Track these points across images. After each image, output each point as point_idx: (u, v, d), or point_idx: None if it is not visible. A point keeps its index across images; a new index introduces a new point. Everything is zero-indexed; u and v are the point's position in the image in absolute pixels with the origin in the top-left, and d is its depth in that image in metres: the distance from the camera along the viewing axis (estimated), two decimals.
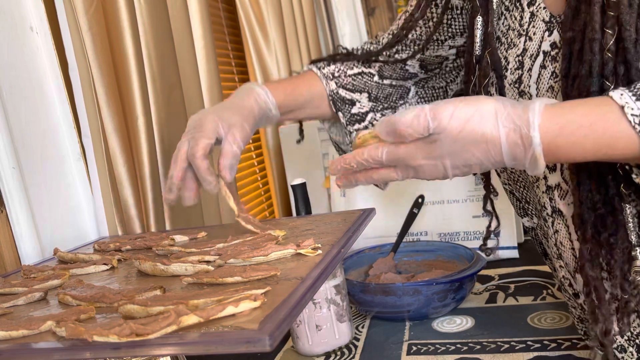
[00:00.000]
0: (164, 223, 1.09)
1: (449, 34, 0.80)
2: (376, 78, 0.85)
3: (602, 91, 0.52)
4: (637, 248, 0.54)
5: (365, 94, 0.84)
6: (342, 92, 0.84)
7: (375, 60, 0.85)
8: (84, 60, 0.96)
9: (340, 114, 0.84)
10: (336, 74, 0.85)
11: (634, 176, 0.51)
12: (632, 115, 0.46)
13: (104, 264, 0.74)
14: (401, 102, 0.87)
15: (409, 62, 0.83)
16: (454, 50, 0.82)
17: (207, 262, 0.66)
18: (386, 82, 0.85)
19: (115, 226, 1.00)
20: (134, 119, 1.03)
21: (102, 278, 0.70)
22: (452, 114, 0.50)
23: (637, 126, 0.45)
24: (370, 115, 0.84)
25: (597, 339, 0.58)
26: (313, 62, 0.87)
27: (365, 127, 0.84)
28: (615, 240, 0.55)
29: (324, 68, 0.86)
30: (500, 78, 0.65)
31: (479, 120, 0.49)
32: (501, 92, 0.65)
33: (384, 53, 0.85)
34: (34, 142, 0.93)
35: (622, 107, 0.46)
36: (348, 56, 0.87)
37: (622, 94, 0.47)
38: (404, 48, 0.83)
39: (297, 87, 0.84)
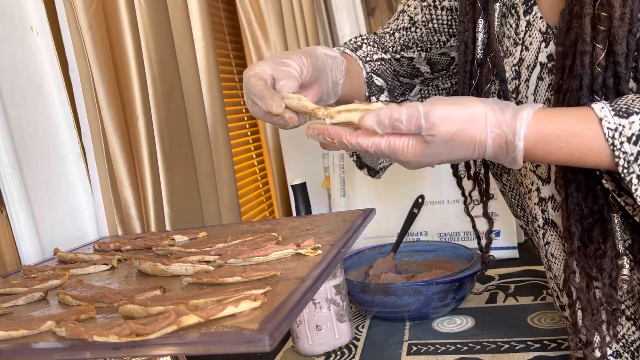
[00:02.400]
0: (164, 223, 1.09)
1: (450, 34, 0.79)
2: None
3: None
4: (623, 257, 0.55)
5: (386, 83, 0.81)
6: (374, 77, 0.81)
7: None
8: (84, 60, 0.96)
9: (373, 98, 0.80)
10: (367, 58, 0.81)
11: (603, 181, 0.54)
12: (607, 128, 0.48)
13: (104, 264, 0.74)
14: (402, 98, 0.86)
15: (416, 60, 0.83)
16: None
17: (207, 262, 0.66)
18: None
19: (115, 226, 1.00)
20: (134, 119, 1.03)
21: (102, 278, 0.70)
22: (445, 117, 0.50)
23: (609, 139, 0.48)
24: None
25: (576, 349, 0.58)
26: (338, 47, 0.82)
27: None
28: (604, 249, 0.56)
29: (356, 51, 0.81)
30: (503, 82, 0.64)
31: (470, 124, 0.50)
32: (505, 98, 0.65)
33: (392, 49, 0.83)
34: (34, 142, 0.93)
35: (601, 120, 0.48)
36: (371, 45, 0.83)
37: (602, 107, 0.49)
38: (406, 49, 0.82)
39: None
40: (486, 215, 0.74)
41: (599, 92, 0.53)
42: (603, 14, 0.52)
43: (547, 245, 0.66)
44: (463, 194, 0.78)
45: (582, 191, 0.57)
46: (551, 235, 0.65)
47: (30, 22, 0.95)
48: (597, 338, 0.58)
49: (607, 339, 0.57)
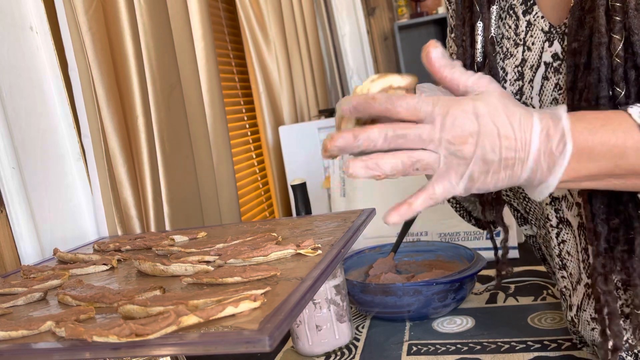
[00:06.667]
0: (164, 223, 1.09)
1: None
2: None
3: (614, 98, 0.52)
4: None
5: None
6: None
7: None
8: (84, 60, 0.96)
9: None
10: None
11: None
12: None
13: (104, 264, 0.74)
14: None
15: None
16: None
17: (207, 262, 0.66)
18: None
19: (115, 226, 1.00)
20: (134, 119, 1.03)
21: (101, 278, 0.70)
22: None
23: None
24: None
25: (605, 355, 0.57)
26: None
27: None
28: (632, 249, 0.54)
29: None
30: (501, 83, 0.64)
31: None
32: None
33: None
34: (34, 142, 0.93)
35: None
36: None
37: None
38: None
39: None
40: (500, 223, 0.72)
41: (620, 83, 0.52)
42: (617, 4, 0.52)
43: (562, 244, 0.65)
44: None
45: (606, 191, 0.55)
46: (566, 233, 0.64)
47: (30, 21, 0.95)
48: (629, 341, 0.57)
49: (631, 341, 0.57)
